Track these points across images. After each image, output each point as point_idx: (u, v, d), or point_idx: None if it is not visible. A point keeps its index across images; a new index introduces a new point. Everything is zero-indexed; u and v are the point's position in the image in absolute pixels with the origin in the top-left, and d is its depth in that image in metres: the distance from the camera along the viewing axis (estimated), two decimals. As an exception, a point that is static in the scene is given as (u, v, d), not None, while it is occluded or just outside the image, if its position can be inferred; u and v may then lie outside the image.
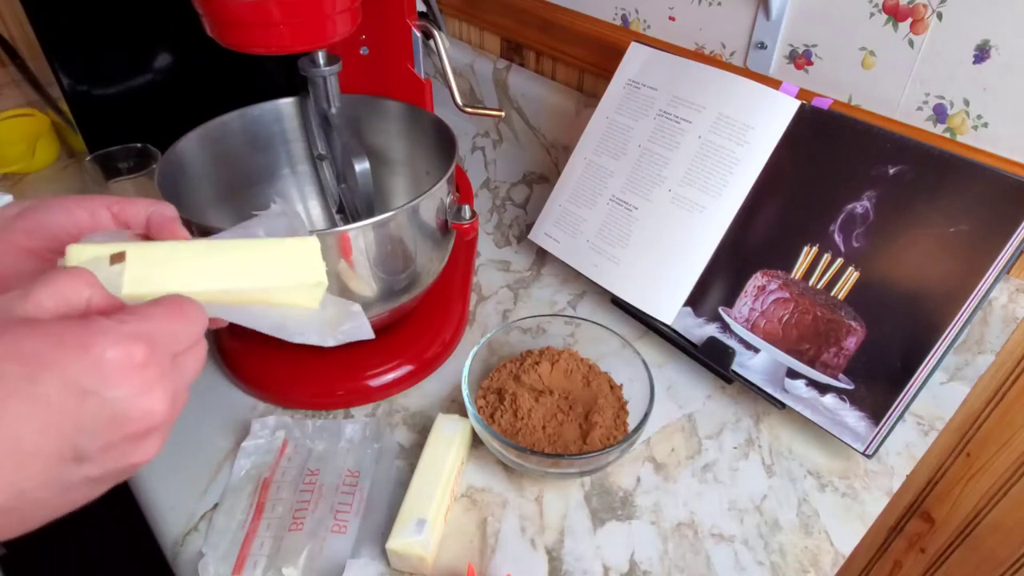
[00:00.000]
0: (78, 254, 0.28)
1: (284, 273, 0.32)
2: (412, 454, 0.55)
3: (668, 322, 0.63)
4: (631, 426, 0.54)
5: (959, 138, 0.55)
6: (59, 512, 0.26)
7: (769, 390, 0.57)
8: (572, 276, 0.73)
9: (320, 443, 0.55)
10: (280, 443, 0.55)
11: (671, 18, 0.70)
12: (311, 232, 0.36)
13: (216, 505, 0.51)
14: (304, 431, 0.56)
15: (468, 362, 0.54)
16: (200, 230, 0.49)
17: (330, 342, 0.35)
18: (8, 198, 0.59)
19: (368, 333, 0.35)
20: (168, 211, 0.33)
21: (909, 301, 0.51)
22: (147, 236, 0.32)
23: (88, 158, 0.75)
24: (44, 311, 0.24)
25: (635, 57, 0.68)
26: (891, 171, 0.53)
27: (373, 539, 0.49)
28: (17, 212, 0.30)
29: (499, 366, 0.58)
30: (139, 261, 0.29)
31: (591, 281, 0.67)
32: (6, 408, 0.22)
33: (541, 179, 0.87)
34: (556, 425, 0.53)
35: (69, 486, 0.25)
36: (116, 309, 0.26)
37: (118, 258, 0.28)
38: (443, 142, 0.59)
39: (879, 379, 0.52)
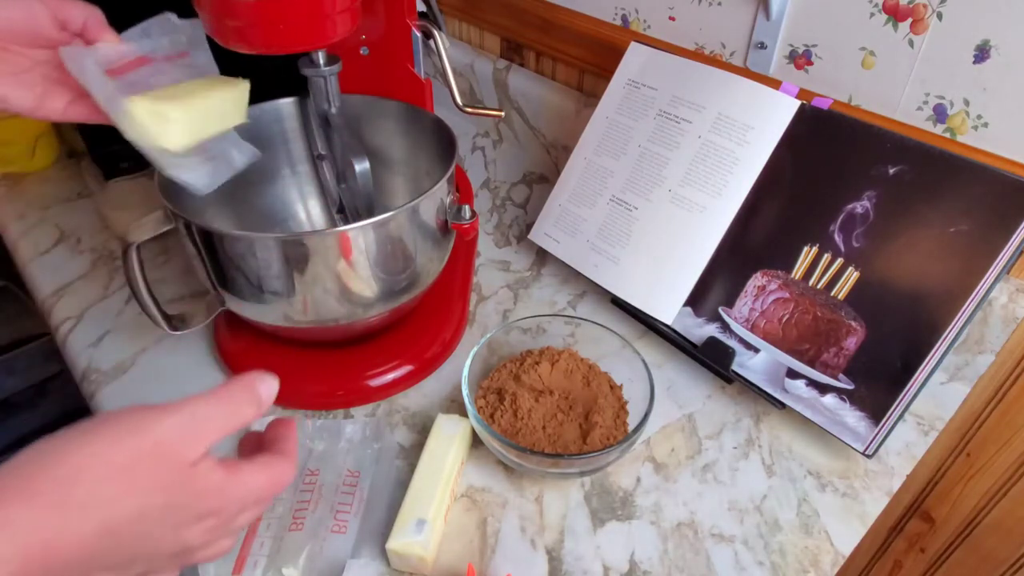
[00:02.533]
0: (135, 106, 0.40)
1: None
2: (412, 454, 0.55)
3: (668, 322, 0.63)
4: (631, 426, 0.54)
5: (959, 138, 0.55)
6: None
7: (769, 390, 0.57)
8: (572, 276, 0.73)
9: (320, 443, 0.55)
10: (280, 443, 0.55)
11: (671, 18, 0.70)
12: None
13: (216, 505, 0.51)
14: (304, 431, 0.56)
15: (468, 362, 0.54)
16: (199, 231, 0.49)
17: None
18: None
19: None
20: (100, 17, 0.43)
21: (909, 301, 0.51)
22: (83, 37, 0.42)
23: (88, 158, 0.75)
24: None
25: (635, 57, 0.68)
26: (891, 171, 0.53)
27: (373, 539, 0.49)
28: None
29: (499, 366, 0.58)
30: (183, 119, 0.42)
31: (591, 281, 0.67)
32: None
33: (541, 179, 0.87)
34: (556, 425, 0.53)
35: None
36: None
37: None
38: (443, 142, 0.59)
39: (879, 379, 0.52)
